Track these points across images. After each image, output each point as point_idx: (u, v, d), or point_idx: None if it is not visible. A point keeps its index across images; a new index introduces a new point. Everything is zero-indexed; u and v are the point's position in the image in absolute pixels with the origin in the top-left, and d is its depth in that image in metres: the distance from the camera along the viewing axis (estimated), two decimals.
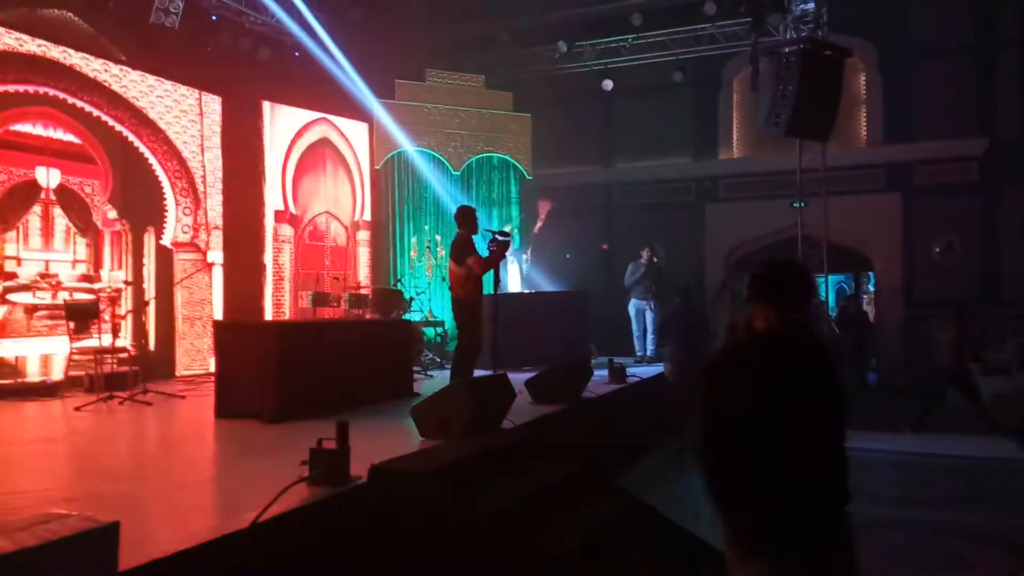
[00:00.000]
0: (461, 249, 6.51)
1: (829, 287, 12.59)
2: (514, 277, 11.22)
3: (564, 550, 3.43)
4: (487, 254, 6.43)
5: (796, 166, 10.89)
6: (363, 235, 11.64)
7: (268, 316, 10.06)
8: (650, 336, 10.55)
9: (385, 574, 3.31)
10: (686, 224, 13.23)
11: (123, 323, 8.38)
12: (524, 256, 11.48)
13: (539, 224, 12.03)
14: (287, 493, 3.19)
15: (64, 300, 7.76)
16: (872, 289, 13.59)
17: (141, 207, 8.82)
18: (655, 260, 10.90)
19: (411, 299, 10.33)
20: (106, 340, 7.28)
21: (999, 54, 11.82)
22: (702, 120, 13.51)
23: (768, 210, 12.23)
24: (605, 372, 8.18)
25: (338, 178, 11.40)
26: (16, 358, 7.67)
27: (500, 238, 6.50)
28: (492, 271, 6.53)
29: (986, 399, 8.59)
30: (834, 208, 11.01)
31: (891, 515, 5.72)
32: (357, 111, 11.29)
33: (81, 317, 7.34)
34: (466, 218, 6.69)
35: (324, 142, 11.18)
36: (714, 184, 13.46)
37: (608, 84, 12.61)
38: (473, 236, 6.62)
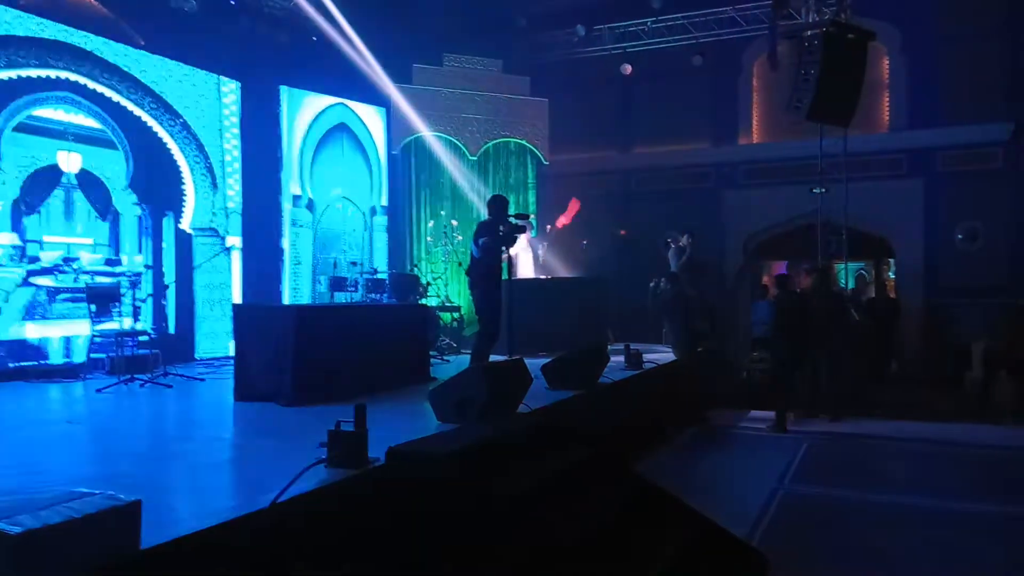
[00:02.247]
0: (478, 231, 6.59)
1: (848, 274, 12.46)
2: (531, 264, 11.20)
3: (579, 534, 3.43)
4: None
5: (816, 151, 10.77)
6: (380, 220, 11.67)
7: (286, 300, 10.12)
8: None
9: (401, 555, 3.33)
10: (704, 210, 13.13)
11: (143, 306, 8.46)
12: (542, 243, 11.45)
13: (562, 220, 11.93)
14: (306, 474, 3.22)
15: (86, 283, 7.84)
16: (893, 276, 13.44)
17: (161, 191, 8.88)
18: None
19: (428, 284, 10.36)
20: (127, 323, 7.36)
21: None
22: (721, 105, 13.37)
23: (787, 196, 12.11)
24: (622, 358, 8.16)
25: (355, 163, 11.42)
26: (39, 340, 7.78)
27: (515, 221, 6.50)
28: (505, 257, 6.53)
29: None
30: (855, 194, 10.90)
31: (907, 502, 5.69)
32: (374, 95, 11.29)
33: (102, 300, 7.43)
34: (494, 205, 6.77)
35: (341, 127, 11.19)
36: (733, 170, 13.34)
37: (627, 68, 12.52)
38: (499, 224, 6.63)
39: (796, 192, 11.57)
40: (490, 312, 6.60)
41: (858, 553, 4.63)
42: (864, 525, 5.19)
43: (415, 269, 10.93)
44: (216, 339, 9.26)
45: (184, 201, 9.09)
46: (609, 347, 8.50)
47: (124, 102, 8.42)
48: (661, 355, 9.26)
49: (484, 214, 12.16)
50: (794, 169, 12.03)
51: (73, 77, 7.93)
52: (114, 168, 8.83)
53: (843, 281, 12.01)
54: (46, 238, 8.35)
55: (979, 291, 11.52)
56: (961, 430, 8.14)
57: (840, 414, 8.61)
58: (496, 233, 6.53)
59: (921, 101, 12.07)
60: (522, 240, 10.33)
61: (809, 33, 9.91)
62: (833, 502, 5.76)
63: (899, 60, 12.27)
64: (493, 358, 7.27)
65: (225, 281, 9.48)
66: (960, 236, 11.90)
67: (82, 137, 8.51)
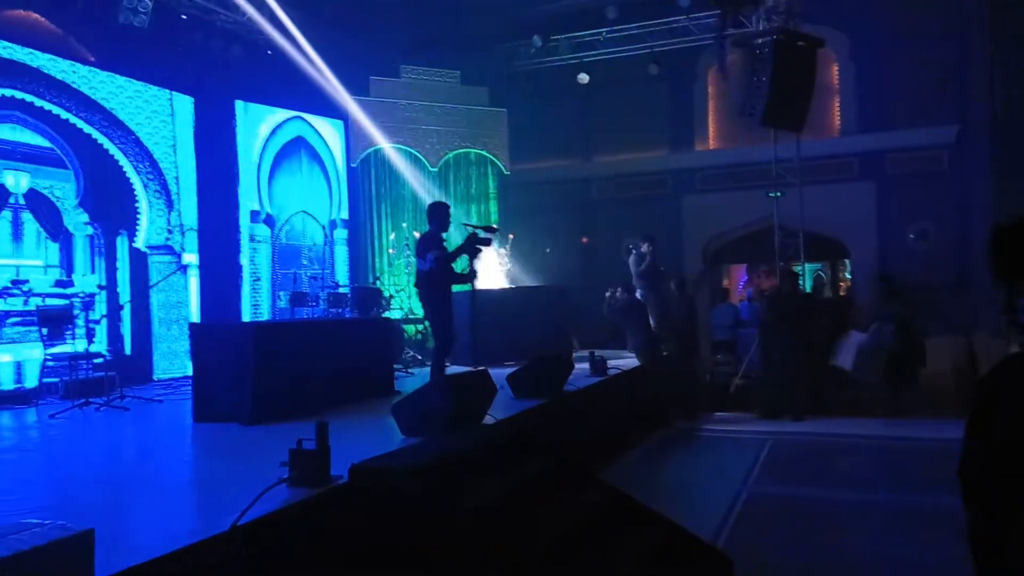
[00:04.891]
0: (422, 244, 6.50)
1: (807, 275, 12.70)
2: (497, 273, 11.19)
3: (546, 543, 3.43)
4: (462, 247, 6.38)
5: (771, 156, 10.97)
6: (341, 233, 11.57)
7: (246, 317, 9.97)
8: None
9: (367, 574, 3.29)
10: (664, 216, 13.28)
11: (98, 328, 8.26)
12: (504, 252, 11.45)
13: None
14: (267, 495, 3.16)
15: (36, 306, 7.63)
16: (849, 276, 13.74)
17: (113, 210, 8.69)
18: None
19: (390, 297, 10.29)
20: (81, 345, 7.18)
21: (969, 43, 11.96)
22: (678, 112, 13.56)
23: (745, 201, 12.31)
24: (587, 365, 8.20)
25: (314, 176, 11.32)
26: None
27: (483, 235, 6.44)
28: (469, 268, 6.49)
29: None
30: (810, 197, 11.11)
31: (869, 499, 5.80)
32: (332, 108, 11.21)
33: (54, 323, 7.24)
34: (433, 214, 6.66)
35: (299, 141, 11.10)
36: (691, 176, 13.53)
37: (584, 78, 12.63)
38: (443, 233, 6.57)
39: (753, 197, 11.77)
40: (441, 324, 6.54)
41: (822, 551, 4.69)
42: (827, 523, 5.27)
43: (377, 282, 10.85)
44: (174, 359, 9.08)
45: (138, 219, 8.91)
46: (574, 354, 8.54)
47: (73, 119, 8.24)
48: (626, 361, 9.32)
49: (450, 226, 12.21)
50: (750, 174, 12.24)
51: (19, 95, 7.74)
52: (64, 187, 8.63)
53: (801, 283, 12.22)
54: None
55: (932, 289, 11.82)
56: (918, 426, 8.32)
57: (802, 414, 8.75)
58: (440, 244, 6.48)
59: (870, 106, 12.39)
60: (487, 249, 10.35)
61: (760, 41, 10.10)
62: (796, 501, 5.84)
63: (848, 66, 12.58)
64: (458, 369, 7.25)
65: (183, 300, 9.31)
66: (912, 236, 12.21)
67: (30, 156, 8.30)
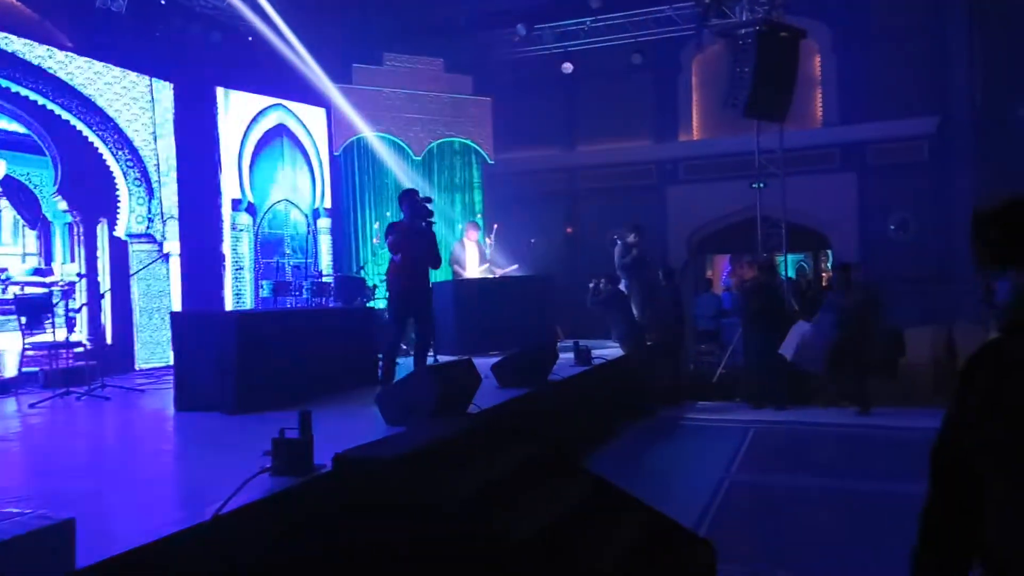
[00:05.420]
0: (387, 232, 6.54)
1: (789, 266, 12.80)
2: (478, 264, 11.16)
3: (532, 533, 3.44)
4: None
5: (754, 147, 11.02)
6: (324, 222, 11.50)
7: (228, 306, 9.90)
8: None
9: (351, 563, 3.29)
10: (648, 206, 13.31)
11: (78, 317, 8.17)
12: (488, 241, 11.43)
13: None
14: (250, 484, 3.15)
15: (15, 295, 7.54)
16: (831, 267, 13.86)
17: (93, 198, 8.57)
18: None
19: (374, 286, 10.25)
20: (60, 335, 7.10)
21: (950, 34, 12.06)
22: (662, 103, 13.58)
23: (728, 191, 12.36)
24: (571, 355, 8.22)
25: (296, 165, 11.23)
26: None
27: (419, 196, 6.43)
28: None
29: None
30: (792, 188, 11.18)
31: (849, 487, 5.87)
32: (314, 96, 11.11)
33: (33, 311, 7.14)
34: (401, 202, 6.66)
35: (281, 128, 10.99)
36: (675, 166, 13.56)
37: (568, 67, 12.61)
38: (421, 221, 6.45)
39: (736, 187, 11.82)
40: (393, 315, 6.51)
41: (804, 538, 4.75)
42: (809, 510, 5.33)
43: (361, 271, 10.80)
44: (156, 348, 9.00)
45: (118, 207, 8.80)
46: (558, 344, 8.56)
47: (50, 106, 8.10)
48: (610, 351, 9.36)
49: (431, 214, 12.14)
50: (733, 165, 12.28)
51: None
52: (42, 174, 8.51)
53: (783, 273, 12.31)
54: None
55: (912, 280, 11.95)
56: (898, 415, 8.43)
57: (784, 403, 8.83)
58: (401, 230, 6.40)
59: (852, 96, 12.46)
60: (471, 238, 10.32)
61: (743, 32, 10.12)
62: (778, 489, 5.90)
63: (830, 57, 12.64)
64: (443, 359, 7.25)
65: (164, 289, 9.22)
66: (893, 227, 12.32)
67: (7, 143, 8.17)
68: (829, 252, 13.66)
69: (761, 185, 11.03)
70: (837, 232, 12.76)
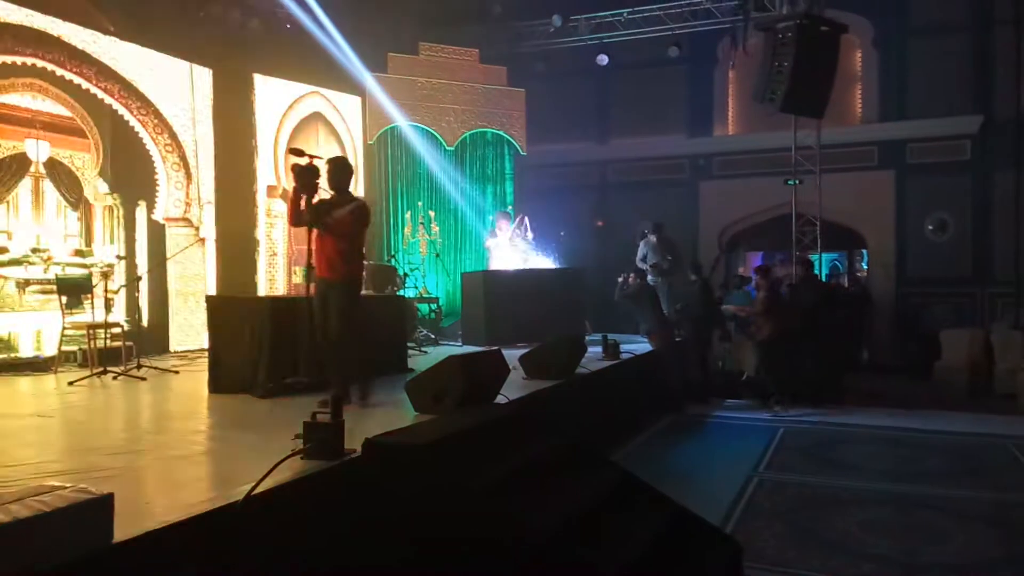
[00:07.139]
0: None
1: (823, 265, 12.62)
2: (513, 255, 11.14)
3: (554, 523, 3.46)
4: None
5: (790, 143, 10.87)
6: None
7: (261, 291, 10.03)
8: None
9: (378, 547, 3.34)
10: (680, 201, 13.22)
11: (116, 298, 8.34)
12: (526, 234, 11.38)
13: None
14: (281, 466, 3.20)
15: (56, 274, 7.72)
16: (865, 267, 13.64)
17: (132, 181, 8.74)
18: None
19: (405, 275, 10.31)
20: (99, 315, 7.26)
21: (994, 33, 11.77)
22: (697, 96, 13.45)
23: (762, 188, 12.22)
24: (599, 348, 8.21)
25: (330, 152, 11.30)
26: (9, 333, 7.65)
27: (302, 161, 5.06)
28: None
29: None
30: (828, 185, 11.03)
31: (878, 488, 5.80)
32: (350, 84, 11.18)
33: (73, 291, 7.31)
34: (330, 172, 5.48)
35: (316, 116, 11.08)
36: (708, 162, 13.44)
37: (603, 59, 12.53)
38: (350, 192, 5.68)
39: (770, 184, 11.68)
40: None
41: (830, 538, 4.71)
42: (836, 511, 5.28)
43: (392, 260, 10.87)
44: (190, 331, 9.16)
45: (157, 191, 8.96)
46: (587, 337, 8.55)
47: (94, 89, 8.26)
48: (638, 345, 9.33)
49: (461, 205, 12.17)
50: (768, 160, 12.14)
51: (41, 63, 7.76)
52: (84, 157, 8.68)
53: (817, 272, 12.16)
54: (15, 228, 8.21)
55: (948, 281, 11.73)
56: (930, 418, 8.30)
57: (817, 402, 8.74)
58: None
59: (892, 93, 12.24)
60: (504, 232, 10.30)
61: (782, 25, 9.97)
62: (806, 488, 5.85)
63: (871, 53, 12.42)
64: (471, 349, 7.25)
65: (199, 272, 9.37)
66: (930, 227, 12.09)
67: (51, 125, 8.35)
68: (864, 252, 13.44)
69: (796, 182, 10.88)
70: (872, 231, 12.56)
